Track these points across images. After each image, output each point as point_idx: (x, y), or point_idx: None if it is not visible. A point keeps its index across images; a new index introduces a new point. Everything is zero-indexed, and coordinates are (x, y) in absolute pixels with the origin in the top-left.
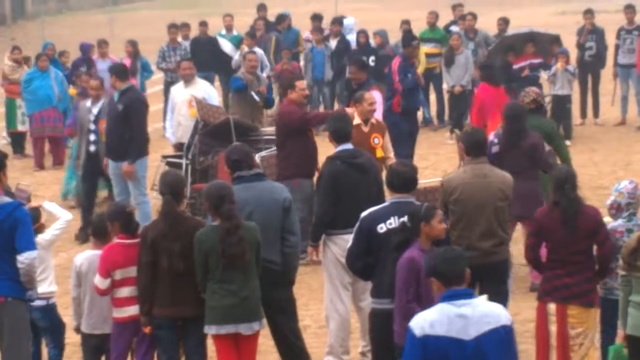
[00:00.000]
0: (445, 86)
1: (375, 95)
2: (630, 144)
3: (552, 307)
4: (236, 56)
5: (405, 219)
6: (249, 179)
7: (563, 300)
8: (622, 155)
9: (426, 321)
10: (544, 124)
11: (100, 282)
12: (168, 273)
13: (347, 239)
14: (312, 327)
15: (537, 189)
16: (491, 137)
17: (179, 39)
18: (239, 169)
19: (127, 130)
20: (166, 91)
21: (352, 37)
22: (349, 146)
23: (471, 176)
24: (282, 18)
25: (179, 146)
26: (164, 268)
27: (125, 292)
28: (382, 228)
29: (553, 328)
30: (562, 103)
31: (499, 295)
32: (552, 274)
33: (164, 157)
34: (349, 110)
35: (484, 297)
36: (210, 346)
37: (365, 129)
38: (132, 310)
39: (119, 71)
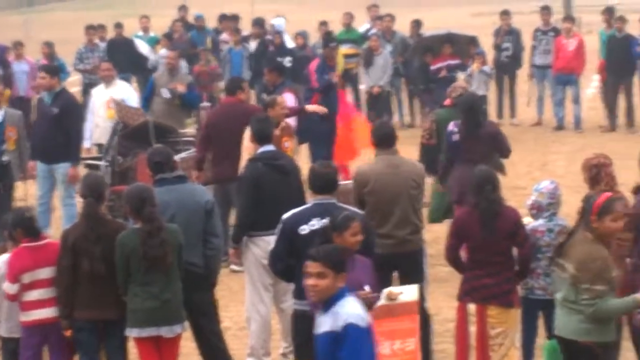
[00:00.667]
0: (363, 87)
1: (287, 98)
2: (546, 144)
3: (471, 307)
4: (152, 57)
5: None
6: (171, 181)
7: (482, 300)
8: (538, 156)
9: None
10: None
11: (9, 287)
12: (89, 276)
13: (269, 241)
14: (232, 329)
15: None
16: (450, 126)
17: (96, 40)
18: (161, 171)
19: (61, 133)
20: (84, 93)
21: (286, 37)
22: (270, 148)
23: (383, 167)
24: (199, 20)
25: (98, 147)
26: (84, 271)
27: (34, 295)
28: (304, 229)
29: (473, 328)
30: None
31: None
32: (471, 275)
33: (83, 159)
34: None
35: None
36: (132, 349)
37: (277, 132)
38: (40, 314)
39: (56, 72)
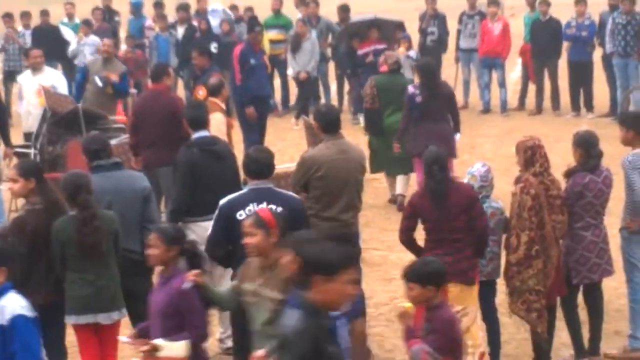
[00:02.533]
0: (290, 72)
1: None
2: (473, 127)
3: None
4: (74, 44)
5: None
6: (108, 167)
7: None
8: (466, 139)
9: None
10: (405, 81)
11: None
12: (40, 262)
13: (205, 226)
14: None
15: (451, 130)
16: (411, 89)
17: (19, 28)
18: (98, 158)
19: None
20: (5, 80)
21: (215, 23)
22: (205, 133)
23: (334, 152)
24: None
25: (27, 136)
26: (37, 257)
27: None
28: (241, 215)
29: None
30: None
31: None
32: (430, 255)
33: (12, 146)
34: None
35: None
36: (71, 336)
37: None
38: None
39: None
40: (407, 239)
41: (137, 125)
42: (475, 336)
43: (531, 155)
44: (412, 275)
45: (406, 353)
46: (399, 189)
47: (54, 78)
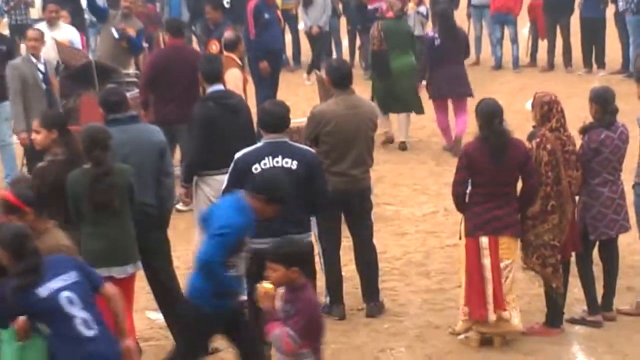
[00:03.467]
0: (302, 27)
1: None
2: (484, 83)
3: (484, 240)
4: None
5: None
6: (125, 121)
7: (495, 232)
8: (478, 95)
9: None
10: (409, 27)
11: None
12: (59, 214)
13: (219, 180)
14: (181, 269)
15: (466, 71)
16: (430, 33)
17: None
18: (115, 110)
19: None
20: (12, 35)
21: None
22: (220, 87)
23: (343, 108)
24: None
25: None
26: (56, 209)
27: None
28: (256, 168)
29: (486, 262)
30: None
31: (367, 229)
32: (481, 209)
33: None
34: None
35: None
36: None
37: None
38: None
39: None
40: (461, 192)
41: (155, 80)
42: (515, 289)
43: (547, 111)
44: (276, 256)
45: (419, 307)
46: (402, 136)
47: (70, 33)
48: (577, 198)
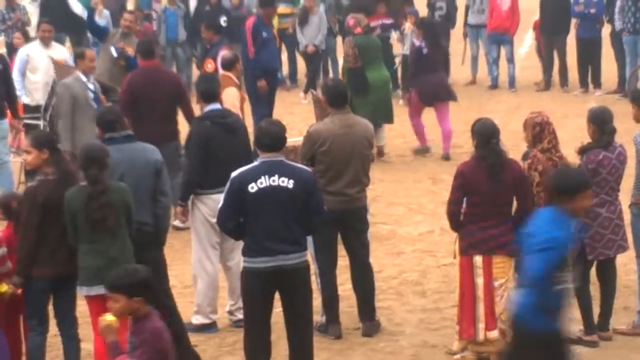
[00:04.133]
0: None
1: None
2: (481, 102)
3: (478, 259)
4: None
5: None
6: (120, 140)
7: (489, 251)
8: (474, 114)
9: None
10: (378, 41)
11: None
12: (51, 233)
13: (216, 199)
14: (177, 287)
15: (446, 79)
16: (417, 42)
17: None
18: (112, 130)
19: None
20: (7, 53)
21: None
22: (217, 106)
23: (339, 127)
24: None
25: (32, 108)
26: (48, 228)
27: None
28: (253, 187)
29: (479, 281)
30: None
31: (363, 248)
32: (475, 228)
33: (20, 118)
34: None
35: None
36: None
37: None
38: None
39: None
40: (456, 211)
41: (133, 102)
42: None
43: (539, 132)
44: (116, 286)
45: (415, 326)
46: (379, 142)
47: (63, 53)
48: None
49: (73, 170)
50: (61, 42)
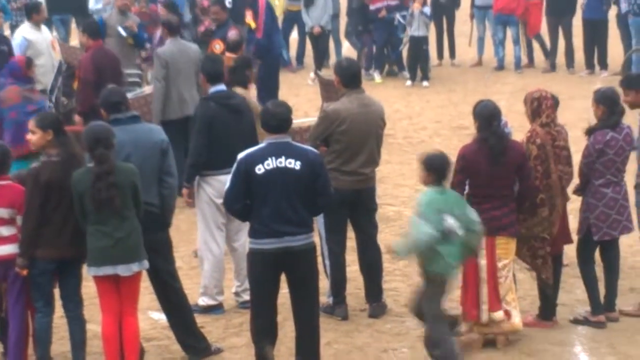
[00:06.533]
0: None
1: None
2: (487, 84)
3: None
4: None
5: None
6: (126, 121)
7: (492, 232)
8: (480, 96)
9: None
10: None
11: None
12: (55, 215)
13: (221, 180)
14: (183, 269)
15: None
16: None
17: None
18: (117, 111)
19: None
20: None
21: None
22: (222, 87)
23: (357, 106)
24: None
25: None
26: (51, 210)
27: None
28: (260, 169)
29: (482, 262)
30: (418, 44)
31: (374, 228)
32: (478, 209)
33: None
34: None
35: None
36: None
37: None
38: (1, 250)
39: None
40: (459, 193)
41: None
42: (514, 290)
43: (537, 106)
44: None
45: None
46: None
47: (49, 35)
48: (568, 192)
49: (78, 152)
50: (68, 22)
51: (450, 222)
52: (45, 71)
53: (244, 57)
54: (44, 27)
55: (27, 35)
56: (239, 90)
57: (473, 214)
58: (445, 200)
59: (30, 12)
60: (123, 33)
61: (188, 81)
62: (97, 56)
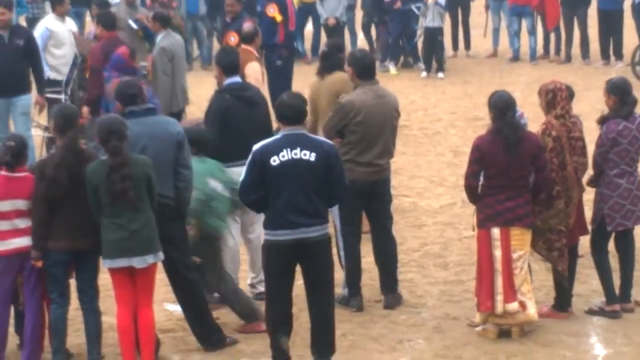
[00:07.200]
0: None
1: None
2: (502, 75)
3: (495, 232)
4: None
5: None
6: (141, 113)
7: (507, 223)
8: (495, 87)
9: None
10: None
11: None
12: (64, 207)
13: (236, 171)
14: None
15: None
16: None
17: None
18: (133, 103)
19: (23, 66)
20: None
21: None
22: (237, 79)
23: (372, 97)
24: None
25: (53, 82)
26: (59, 202)
27: (4, 225)
28: (275, 161)
29: (497, 253)
30: (433, 35)
31: (389, 219)
32: (492, 200)
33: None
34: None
35: None
36: (104, 280)
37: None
38: (18, 242)
39: (12, 6)
40: (474, 185)
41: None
42: (529, 280)
43: (552, 98)
44: None
45: (437, 299)
46: None
47: (74, 26)
48: (583, 183)
49: (78, 144)
50: (82, 15)
51: (214, 184)
52: (67, 62)
53: (336, 41)
54: (68, 19)
55: (49, 26)
56: (338, 74)
57: (234, 176)
58: (206, 167)
59: (54, 4)
60: (134, 26)
61: (184, 72)
62: (107, 45)
